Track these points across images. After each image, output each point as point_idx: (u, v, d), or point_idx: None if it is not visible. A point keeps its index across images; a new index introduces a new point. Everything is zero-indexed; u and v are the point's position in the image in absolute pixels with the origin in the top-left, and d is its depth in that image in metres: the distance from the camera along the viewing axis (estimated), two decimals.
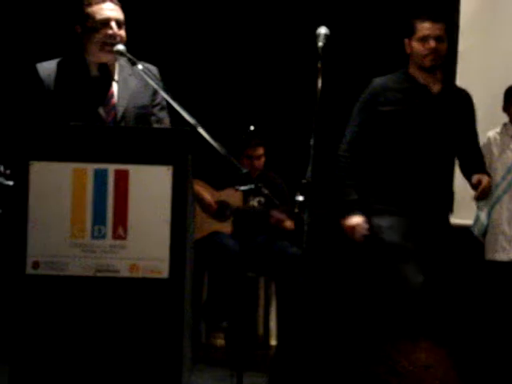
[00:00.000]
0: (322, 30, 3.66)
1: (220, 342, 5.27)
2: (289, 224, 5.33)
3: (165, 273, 3.24)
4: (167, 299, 3.24)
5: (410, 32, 3.99)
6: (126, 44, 3.58)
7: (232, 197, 5.24)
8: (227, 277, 5.08)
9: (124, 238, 3.25)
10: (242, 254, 5.19)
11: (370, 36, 6.20)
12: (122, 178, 3.28)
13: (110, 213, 3.26)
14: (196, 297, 4.98)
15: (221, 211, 5.24)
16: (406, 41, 4.01)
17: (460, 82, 5.31)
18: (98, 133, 3.35)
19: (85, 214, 3.24)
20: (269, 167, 5.55)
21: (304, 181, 3.49)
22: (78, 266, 3.22)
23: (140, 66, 3.43)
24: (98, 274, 3.23)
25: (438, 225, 3.98)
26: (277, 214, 5.27)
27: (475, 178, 3.92)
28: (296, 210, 5.18)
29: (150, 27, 6.08)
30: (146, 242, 3.25)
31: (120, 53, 3.50)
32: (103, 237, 3.25)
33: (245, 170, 3.66)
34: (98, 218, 3.25)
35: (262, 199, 5.34)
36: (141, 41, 5.57)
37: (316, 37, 3.65)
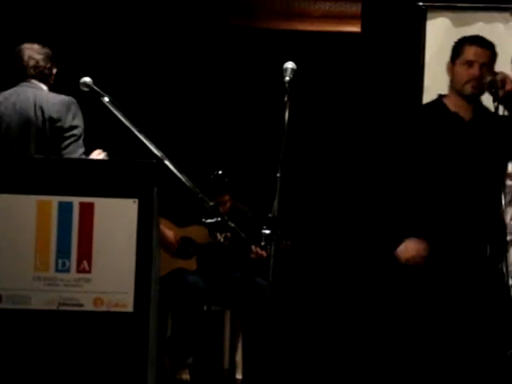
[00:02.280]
0: (289, 65, 3.67)
1: (185, 377, 5.22)
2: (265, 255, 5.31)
3: (129, 306, 3.21)
4: (131, 333, 3.20)
5: (455, 55, 3.77)
6: (92, 77, 3.57)
7: (197, 233, 5.22)
8: (191, 312, 5.05)
9: (88, 272, 3.22)
10: (207, 289, 5.17)
11: (336, 70, 6.25)
12: (87, 211, 3.25)
13: (75, 246, 3.22)
14: (161, 332, 4.93)
15: (184, 249, 5.21)
16: (449, 64, 3.80)
17: None
18: (63, 165, 3.32)
19: (49, 247, 3.20)
20: (236, 199, 5.55)
21: (270, 214, 3.47)
22: (41, 299, 3.17)
23: (106, 99, 3.42)
24: (62, 308, 3.19)
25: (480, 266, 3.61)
26: (258, 250, 5.23)
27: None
28: (262, 243, 5.17)
29: (120, 62, 6.09)
30: (111, 275, 3.22)
31: (86, 85, 3.49)
32: (67, 270, 3.21)
33: (211, 203, 3.64)
34: (62, 251, 3.21)
35: (229, 234, 5.32)
36: (110, 75, 5.59)
37: (283, 71, 3.66)
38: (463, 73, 3.70)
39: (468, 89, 3.70)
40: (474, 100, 3.75)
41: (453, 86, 3.78)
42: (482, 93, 3.76)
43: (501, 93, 3.58)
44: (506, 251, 3.49)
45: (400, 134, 3.84)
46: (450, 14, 6.16)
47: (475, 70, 3.67)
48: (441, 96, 3.83)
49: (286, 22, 6.35)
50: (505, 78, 3.63)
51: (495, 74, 3.69)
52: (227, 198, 5.42)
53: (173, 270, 5.16)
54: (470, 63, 3.69)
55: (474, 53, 3.71)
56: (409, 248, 3.67)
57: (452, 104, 3.76)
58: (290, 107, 3.56)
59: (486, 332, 3.59)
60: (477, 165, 3.66)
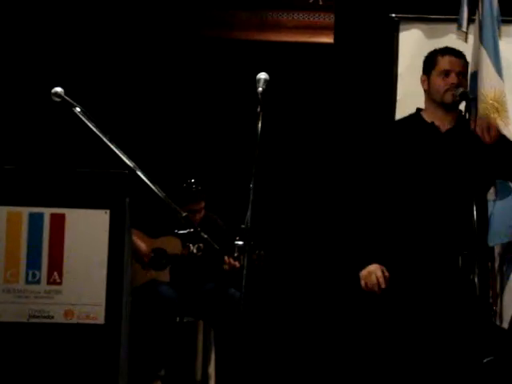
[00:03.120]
0: (262, 76, 3.67)
1: None
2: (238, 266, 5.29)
3: (101, 319, 3.19)
4: (103, 346, 3.18)
5: (429, 67, 3.78)
6: (64, 87, 3.55)
7: (169, 244, 5.19)
8: (163, 324, 5.02)
9: (59, 283, 3.19)
10: (179, 301, 5.14)
11: (309, 81, 6.26)
12: (58, 222, 3.23)
13: (45, 257, 3.20)
14: (133, 344, 4.90)
15: (156, 260, 5.19)
16: (423, 77, 3.81)
17: None
18: (34, 176, 3.29)
19: (19, 259, 3.18)
20: (209, 210, 5.53)
21: (243, 226, 3.46)
22: (11, 311, 3.15)
23: (78, 109, 3.39)
24: (32, 320, 3.16)
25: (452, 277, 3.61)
26: (231, 261, 5.21)
27: None
28: (235, 254, 5.17)
29: (91, 72, 6.06)
30: (82, 287, 3.20)
31: (58, 95, 3.47)
32: (37, 282, 3.18)
33: (184, 214, 3.63)
34: (33, 262, 3.19)
35: (202, 245, 5.30)
36: (81, 85, 5.57)
37: (256, 82, 3.66)
38: (440, 82, 3.71)
39: (448, 97, 3.70)
40: (453, 109, 3.75)
41: (430, 97, 3.78)
42: (461, 101, 3.76)
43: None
44: (478, 262, 3.50)
45: (376, 148, 3.86)
46: (423, 26, 6.19)
47: (453, 79, 3.70)
48: (419, 110, 3.85)
49: (260, 32, 6.36)
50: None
51: (466, 86, 3.72)
52: (202, 205, 5.40)
53: (145, 282, 5.13)
54: (446, 72, 3.71)
55: (448, 62, 3.73)
56: (369, 275, 3.69)
57: (429, 116, 3.78)
58: (263, 118, 3.55)
59: (460, 341, 3.59)
60: (449, 176, 3.67)
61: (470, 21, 5.48)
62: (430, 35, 6.17)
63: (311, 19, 6.34)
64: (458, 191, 3.64)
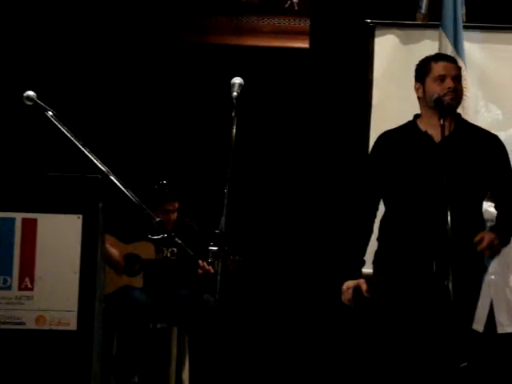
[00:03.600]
0: (237, 80, 3.66)
1: None
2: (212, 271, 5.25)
3: (73, 325, 3.16)
4: (75, 352, 3.15)
5: (423, 74, 3.77)
6: (36, 91, 3.52)
7: (143, 249, 5.16)
8: (137, 330, 4.99)
9: (31, 289, 3.16)
10: (152, 306, 5.11)
11: (285, 86, 6.26)
12: (30, 227, 3.20)
13: (17, 263, 3.17)
14: (106, 351, 4.86)
15: (130, 265, 5.15)
16: (417, 85, 3.79)
17: (373, 132, 5.39)
18: (6, 180, 3.26)
19: None
20: (183, 215, 5.50)
21: (217, 231, 3.44)
22: None
23: (50, 113, 3.36)
24: (3, 326, 3.13)
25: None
26: (205, 266, 5.18)
27: (478, 236, 3.64)
28: (210, 260, 5.15)
29: (64, 76, 6.03)
30: (54, 292, 3.17)
31: (30, 99, 3.44)
32: (9, 288, 3.15)
33: (158, 219, 3.61)
34: (4, 268, 3.16)
35: (176, 250, 5.27)
36: (54, 89, 5.53)
37: (230, 87, 3.65)
38: (437, 88, 3.70)
39: (447, 101, 3.68)
40: (451, 112, 3.73)
41: (426, 104, 3.76)
42: (458, 105, 3.77)
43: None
44: (452, 268, 3.50)
45: (369, 156, 3.87)
46: (398, 32, 6.21)
47: (449, 83, 3.69)
48: (415, 116, 3.85)
49: (235, 37, 6.35)
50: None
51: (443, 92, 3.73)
52: (177, 205, 5.37)
53: (119, 288, 5.10)
54: (442, 78, 3.71)
55: (443, 67, 3.73)
56: (345, 291, 3.71)
57: (424, 124, 3.77)
58: (238, 122, 3.54)
59: (435, 347, 3.59)
60: (438, 185, 3.65)
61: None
62: (405, 41, 6.18)
63: (287, 24, 6.33)
64: (434, 199, 3.64)
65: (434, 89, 3.70)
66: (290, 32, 6.31)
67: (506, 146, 5.77)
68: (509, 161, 3.85)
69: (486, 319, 5.21)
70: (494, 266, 5.23)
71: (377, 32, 6.17)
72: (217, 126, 5.25)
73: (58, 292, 3.16)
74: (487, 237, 3.64)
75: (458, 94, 3.71)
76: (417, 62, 3.90)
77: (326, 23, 6.28)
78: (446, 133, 3.70)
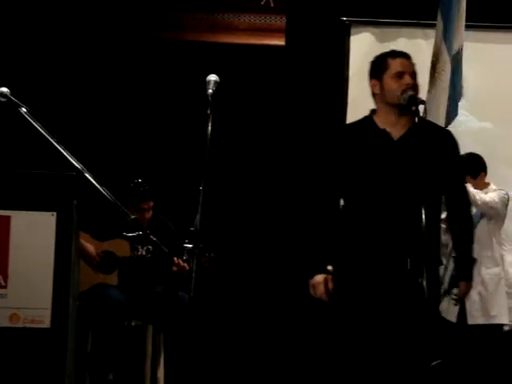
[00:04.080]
0: (212, 78, 3.65)
1: None
2: (187, 268, 5.24)
3: (47, 322, 3.14)
4: (49, 350, 3.13)
5: (380, 70, 3.73)
6: (10, 87, 3.50)
7: (118, 247, 5.14)
8: (112, 328, 4.97)
9: (4, 287, 3.14)
10: (127, 304, 5.09)
11: (261, 83, 6.26)
12: (4, 225, 3.18)
13: None
14: (80, 349, 4.84)
15: (105, 263, 5.13)
16: (374, 81, 3.75)
17: None
18: None
19: None
20: (158, 212, 5.49)
21: (192, 228, 3.44)
22: None
23: (24, 109, 3.35)
24: None
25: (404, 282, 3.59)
26: (180, 263, 5.17)
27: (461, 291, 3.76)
28: (185, 257, 5.14)
29: (39, 72, 6.00)
30: (28, 290, 3.15)
31: (3, 95, 3.42)
32: None
33: (133, 216, 3.60)
34: None
35: (151, 247, 5.26)
36: (28, 86, 5.50)
37: (206, 84, 3.64)
38: (395, 84, 3.70)
39: (406, 99, 3.66)
40: (406, 112, 3.74)
41: (384, 101, 3.73)
42: (409, 105, 3.71)
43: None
44: (426, 265, 3.51)
45: (327, 151, 3.84)
46: (374, 30, 6.24)
47: (408, 79, 3.69)
48: (372, 112, 3.84)
49: (211, 34, 6.34)
50: None
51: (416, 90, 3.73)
52: (151, 204, 5.36)
53: (93, 285, 5.08)
54: (400, 74, 3.70)
55: (400, 64, 3.72)
56: (316, 285, 3.68)
57: (381, 121, 3.75)
58: (214, 120, 3.54)
59: (408, 344, 3.60)
60: (398, 182, 3.66)
61: None
62: (380, 39, 6.22)
63: (263, 21, 6.34)
64: (406, 197, 3.65)
65: (393, 85, 3.68)
66: (266, 29, 6.32)
67: (482, 135, 5.82)
68: (460, 156, 3.87)
69: (458, 310, 5.26)
70: None
71: (352, 30, 6.21)
72: (192, 123, 5.24)
73: (32, 290, 3.14)
74: (462, 291, 3.73)
75: (416, 90, 3.70)
76: None
77: (301, 21, 6.29)
78: (403, 131, 3.72)
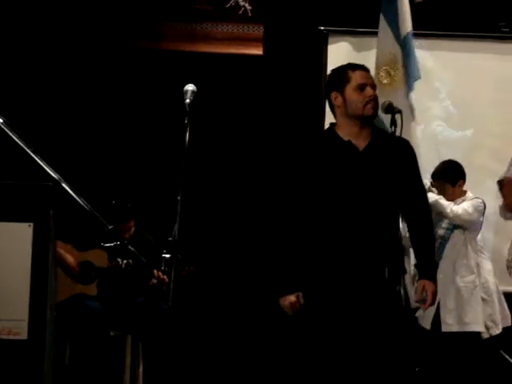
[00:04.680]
0: (190, 87, 3.65)
1: None
2: (167, 280, 5.22)
3: (24, 334, 3.11)
4: (26, 362, 3.10)
5: (341, 83, 3.75)
6: None
7: (97, 257, 5.13)
8: (91, 338, 4.95)
9: None
10: (106, 314, 5.07)
11: (239, 92, 6.26)
12: None
13: None
14: (58, 360, 4.82)
15: (84, 273, 5.11)
16: (335, 94, 3.75)
17: None
18: None
19: None
20: (137, 224, 5.47)
21: (170, 239, 3.43)
22: None
23: (0, 120, 3.32)
24: None
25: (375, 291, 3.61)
26: (160, 275, 5.15)
27: (420, 283, 3.72)
28: (163, 268, 5.11)
29: (16, 83, 5.97)
30: (4, 302, 3.11)
31: None
32: None
33: (111, 227, 3.58)
34: None
35: (131, 261, 5.24)
36: (4, 96, 5.48)
37: (183, 94, 3.64)
38: (358, 97, 3.72)
39: (369, 110, 3.71)
40: (368, 123, 3.77)
41: (347, 112, 3.75)
42: (377, 113, 3.78)
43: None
44: (404, 273, 3.53)
45: (292, 166, 3.84)
46: (351, 39, 6.26)
47: (370, 91, 3.72)
48: (332, 124, 3.85)
49: (189, 43, 6.34)
50: None
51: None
52: (132, 224, 5.35)
53: (72, 295, 5.05)
54: (362, 86, 3.72)
55: (361, 76, 3.75)
56: (286, 306, 3.70)
57: (343, 133, 3.76)
58: (191, 129, 3.53)
59: (387, 352, 3.61)
60: (371, 192, 3.68)
61: None
62: (358, 48, 6.24)
63: (241, 31, 6.35)
64: (381, 207, 3.66)
65: (356, 97, 3.71)
66: (244, 39, 6.33)
67: (458, 144, 5.87)
68: (418, 166, 3.88)
69: (432, 317, 5.28)
70: (441, 265, 5.31)
71: (330, 39, 6.23)
72: (170, 132, 5.23)
73: (9, 301, 3.11)
74: (430, 291, 3.70)
75: (377, 102, 3.74)
76: (370, 69, 3.92)
77: (279, 30, 6.30)
78: (366, 142, 3.73)
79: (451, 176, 5.50)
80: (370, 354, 3.60)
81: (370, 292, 3.60)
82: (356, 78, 3.73)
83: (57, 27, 6.17)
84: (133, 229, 5.34)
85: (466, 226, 5.40)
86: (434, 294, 3.72)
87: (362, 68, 3.79)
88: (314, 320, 3.66)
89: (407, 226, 3.82)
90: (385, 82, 5.48)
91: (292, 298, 3.68)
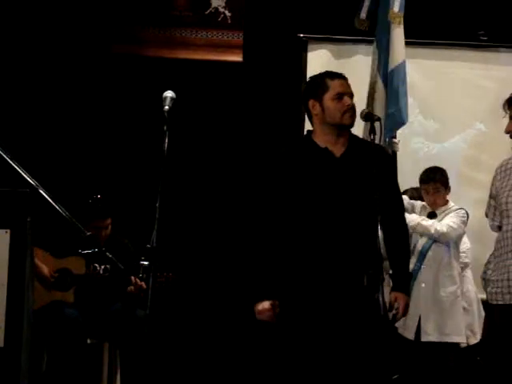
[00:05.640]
0: (168, 94, 3.64)
1: None
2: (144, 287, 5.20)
3: (0, 342, 3.08)
4: (2, 370, 3.07)
5: (319, 91, 3.75)
6: None
7: (74, 264, 5.09)
8: (67, 346, 4.92)
9: None
10: (83, 322, 5.04)
11: (218, 99, 6.26)
12: None
13: None
14: (35, 368, 4.79)
15: (61, 280, 5.08)
16: (313, 102, 3.75)
17: None
18: None
19: None
20: (116, 230, 5.45)
21: (148, 245, 3.41)
22: None
23: None
24: None
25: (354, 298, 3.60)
26: (138, 281, 5.12)
27: (392, 296, 3.71)
28: (141, 275, 5.10)
29: None
30: None
31: None
32: None
33: (88, 233, 3.55)
34: None
35: (108, 267, 5.22)
36: None
37: (162, 100, 3.63)
38: (337, 105, 3.73)
39: (347, 119, 3.72)
40: (345, 132, 3.78)
41: (324, 121, 3.76)
42: (354, 122, 3.78)
43: None
44: (383, 281, 3.53)
45: (271, 171, 3.83)
46: (331, 46, 6.28)
47: (348, 100, 3.73)
48: (309, 132, 3.86)
49: (168, 50, 6.34)
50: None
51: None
52: (109, 222, 5.32)
53: (49, 303, 5.02)
54: (340, 95, 3.73)
55: (340, 85, 3.76)
56: (261, 313, 3.69)
57: (321, 140, 3.77)
58: (170, 136, 3.52)
59: (366, 360, 3.61)
60: (349, 199, 3.68)
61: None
62: (337, 55, 6.27)
63: (220, 37, 6.35)
64: (359, 214, 3.66)
65: (334, 106, 3.72)
66: (223, 45, 6.33)
67: (441, 157, 5.88)
68: (395, 174, 3.92)
69: (415, 328, 5.28)
70: (425, 274, 5.31)
71: (309, 46, 6.25)
72: (149, 139, 5.22)
73: None
74: (402, 304, 3.69)
75: (355, 111, 3.75)
76: (349, 77, 3.92)
77: (259, 37, 6.31)
78: (343, 149, 3.74)
79: (446, 180, 5.45)
80: (347, 362, 3.60)
81: (349, 300, 3.60)
82: (335, 86, 3.74)
83: (37, 32, 6.15)
84: (109, 228, 5.31)
85: (454, 241, 5.36)
86: (406, 306, 3.71)
87: (341, 77, 3.80)
88: (291, 328, 3.65)
89: (383, 235, 3.82)
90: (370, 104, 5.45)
91: (266, 304, 3.68)
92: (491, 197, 3.95)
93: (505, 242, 3.64)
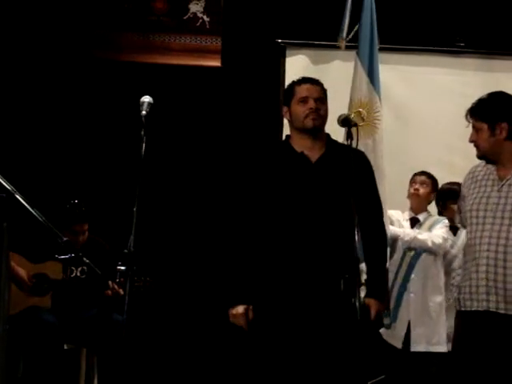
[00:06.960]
0: (146, 99, 3.64)
1: None
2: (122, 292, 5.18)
3: None
4: None
5: (289, 97, 3.82)
6: None
7: (51, 269, 5.08)
8: (44, 352, 4.90)
9: None
10: (60, 327, 5.02)
11: (196, 104, 6.26)
12: None
13: None
14: (11, 373, 4.76)
15: (38, 286, 5.06)
16: (285, 108, 3.83)
17: None
18: None
19: None
20: (93, 233, 5.43)
21: (126, 250, 3.41)
22: None
23: None
24: None
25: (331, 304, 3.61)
26: (115, 286, 5.10)
27: (365, 302, 3.71)
28: (118, 280, 5.09)
29: None
30: None
31: None
32: None
33: (65, 239, 3.54)
34: None
35: (85, 268, 5.20)
36: None
37: (140, 105, 3.63)
38: (300, 109, 3.77)
39: (309, 122, 3.75)
40: (317, 135, 3.79)
41: (294, 126, 3.81)
42: (323, 125, 3.81)
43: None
44: (360, 286, 3.53)
45: (248, 176, 3.85)
46: (309, 52, 6.29)
47: (311, 104, 3.76)
48: (288, 137, 3.88)
49: (146, 55, 6.33)
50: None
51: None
52: (86, 227, 5.31)
53: (26, 308, 4.99)
54: (304, 99, 3.78)
55: (305, 89, 3.80)
56: (235, 317, 3.70)
57: (297, 145, 3.80)
58: (148, 141, 3.52)
59: (341, 364, 3.61)
60: (325, 203, 3.69)
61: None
62: (316, 61, 6.27)
63: (198, 43, 6.35)
64: (336, 218, 3.67)
65: (298, 110, 3.77)
66: (202, 50, 6.33)
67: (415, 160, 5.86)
68: (374, 178, 3.91)
69: (403, 336, 5.29)
70: (414, 284, 5.32)
71: (288, 52, 6.25)
72: (126, 144, 5.21)
73: None
74: (373, 311, 3.70)
75: (319, 114, 3.77)
76: (327, 82, 3.94)
77: (237, 42, 6.32)
78: (319, 154, 3.76)
79: (436, 183, 5.53)
80: (322, 367, 3.60)
81: (326, 305, 3.60)
82: (300, 91, 3.79)
83: (16, 37, 6.12)
84: (86, 233, 5.30)
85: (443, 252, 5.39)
86: (378, 313, 3.72)
87: (309, 81, 3.83)
88: (265, 333, 3.65)
89: (362, 238, 3.82)
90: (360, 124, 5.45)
91: (240, 308, 3.68)
92: (460, 196, 3.96)
93: (468, 249, 3.67)
